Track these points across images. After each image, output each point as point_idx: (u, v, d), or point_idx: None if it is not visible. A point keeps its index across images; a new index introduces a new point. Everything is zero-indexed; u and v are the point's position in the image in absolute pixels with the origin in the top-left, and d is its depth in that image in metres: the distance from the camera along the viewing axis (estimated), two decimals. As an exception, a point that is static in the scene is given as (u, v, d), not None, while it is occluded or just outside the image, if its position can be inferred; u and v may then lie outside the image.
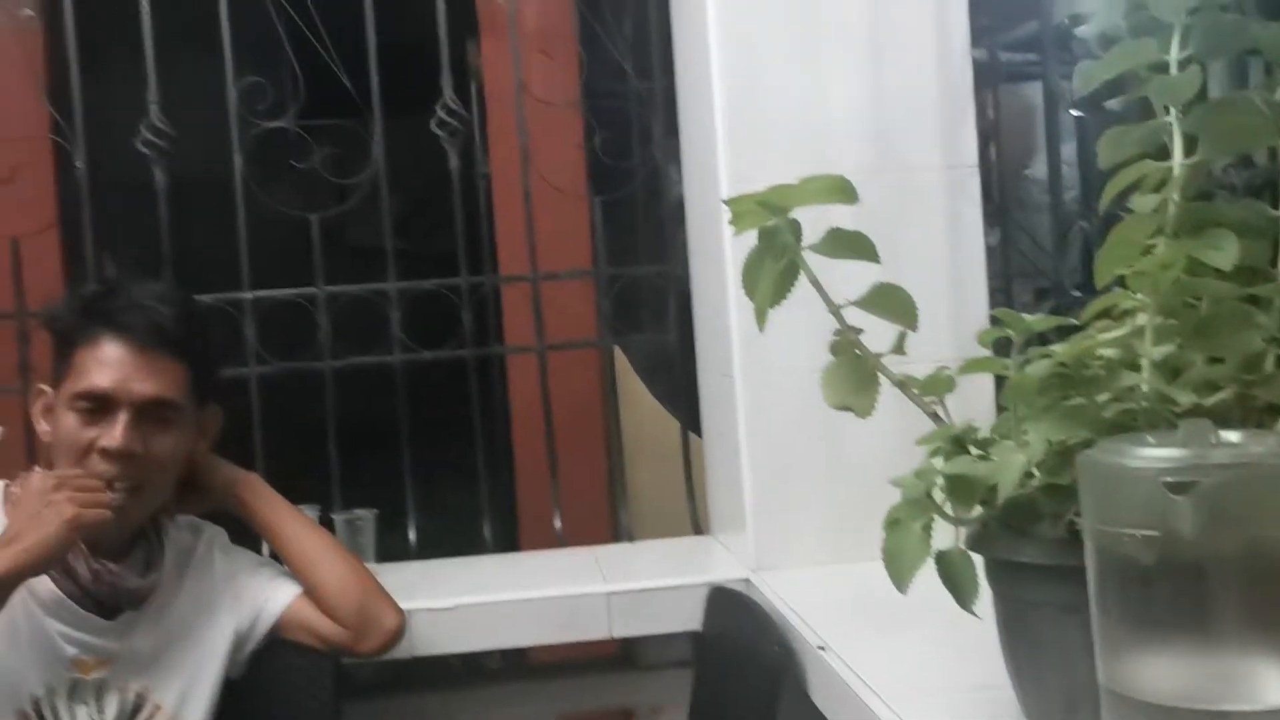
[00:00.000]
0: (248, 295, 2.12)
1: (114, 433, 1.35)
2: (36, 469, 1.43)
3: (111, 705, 1.41)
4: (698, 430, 2.20)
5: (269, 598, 1.53)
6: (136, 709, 1.43)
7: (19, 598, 1.35)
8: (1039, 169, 3.13)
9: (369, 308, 2.17)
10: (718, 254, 1.87)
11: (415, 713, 1.89)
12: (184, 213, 2.15)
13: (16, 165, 2.18)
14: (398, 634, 1.55)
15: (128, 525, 1.42)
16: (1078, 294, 2.23)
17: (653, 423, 2.46)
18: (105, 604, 1.41)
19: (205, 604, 1.49)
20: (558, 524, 2.19)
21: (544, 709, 1.94)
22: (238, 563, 1.54)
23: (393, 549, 2.07)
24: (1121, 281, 1.02)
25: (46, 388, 1.42)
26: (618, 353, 2.39)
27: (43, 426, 1.42)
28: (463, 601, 1.79)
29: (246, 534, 1.63)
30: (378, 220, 2.21)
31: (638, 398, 2.53)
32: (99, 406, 1.36)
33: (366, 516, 1.97)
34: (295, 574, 1.53)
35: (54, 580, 1.38)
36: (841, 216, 1.16)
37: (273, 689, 1.56)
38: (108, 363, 1.36)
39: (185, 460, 1.46)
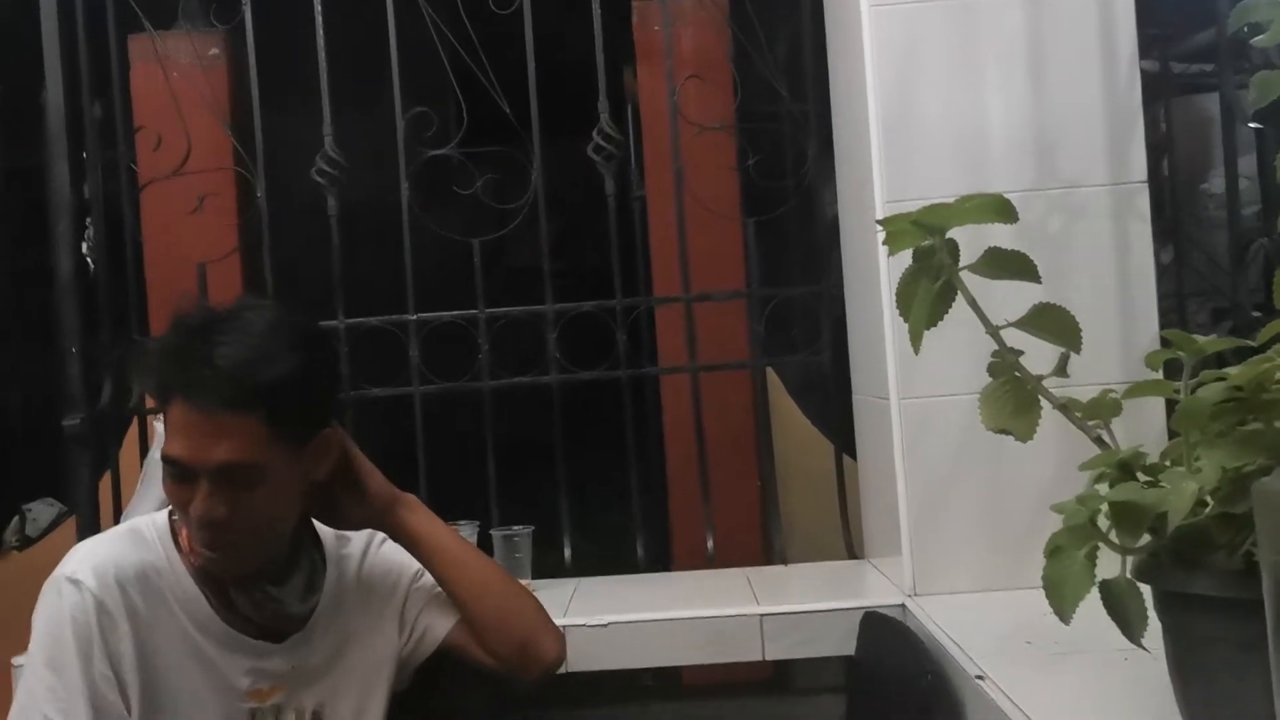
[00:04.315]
0: (412, 317, 2.20)
1: (196, 502, 1.30)
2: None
3: None
4: (851, 452, 2.18)
5: (429, 625, 1.52)
6: None
7: (194, 637, 1.38)
8: (1216, 184, 2.99)
9: (527, 328, 2.22)
10: (872, 274, 1.85)
11: (571, 727, 1.92)
12: (354, 238, 2.25)
13: (203, 195, 2.32)
14: (557, 665, 1.51)
15: (248, 564, 1.39)
16: (1258, 314, 2.13)
17: (805, 444, 2.44)
18: (272, 628, 1.43)
19: (371, 621, 1.50)
20: (710, 544, 2.20)
21: (698, 728, 1.94)
22: (402, 580, 1.53)
23: (548, 565, 2.10)
24: (1303, 301, 0.98)
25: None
26: (770, 374, 2.38)
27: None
28: (617, 619, 1.81)
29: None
30: (536, 243, 2.26)
31: (790, 419, 2.52)
32: (182, 473, 1.31)
33: (523, 533, 2.01)
34: (455, 603, 1.50)
35: (220, 616, 1.40)
36: (1001, 236, 1.14)
37: (431, 701, 1.59)
38: (181, 430, 1.29)
39: (297, 497, 1.40)
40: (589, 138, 2.22)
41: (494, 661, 1.51)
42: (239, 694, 1.40)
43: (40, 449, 2.42)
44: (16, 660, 1.63)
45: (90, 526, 2.06)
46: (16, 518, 2.63)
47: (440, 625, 1.52)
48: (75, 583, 1.35)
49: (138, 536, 1.42)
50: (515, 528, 2.02)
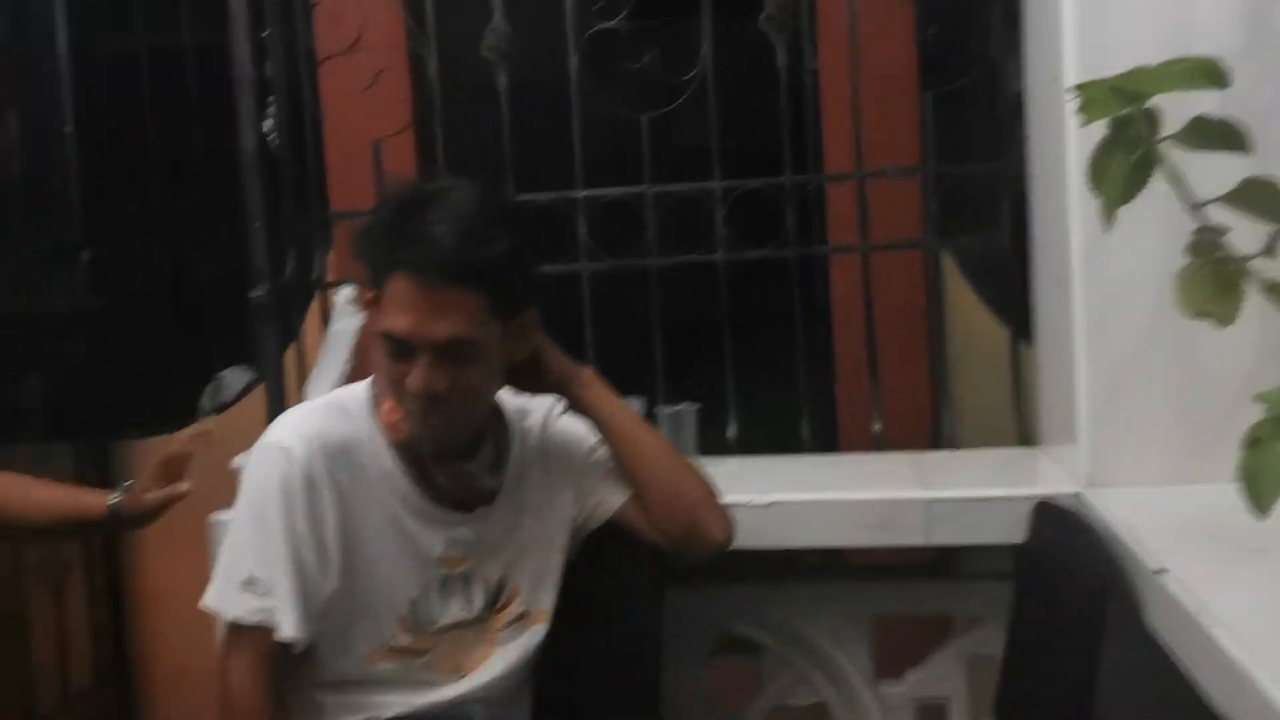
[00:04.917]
0: (580, 194, 2.20)
1: (416, 376, 1.34)
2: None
3: (477, 594, 1.51)
4: (1027, 337, 2.10)
5: (602, 500, 1.57)
6: (498, 595, 1.53)
7: (393, 507, 1.45)
8: None
9: (695, 206, 2.20)
10: (1059, 149, 1.75)
11: (733, 603, 1.94)
12: (523, 114, 2.25)
13: (377, 72, 2.36)
14: (723, 546, 1.55)
15: (454, 438, 1.45)
16: None
17: (979, 327, 2.37)
18: (463, 500, 1.50)
19: (549, 493, 1.56)
20: (877, 427, 2.17)
21: (858, 610, 1.94)
22: (579, 452, 1.57)
23: (713, 443, 2.12)
24: None
25: (365, 291, 1.42)
26: (945, 254, 2.30)
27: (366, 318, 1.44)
28: (781, 498, 1.80)
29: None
30: (705, 121, 2.22)
31: (964, 301, 2.45)
32: (401, 347, 1.34)
33: (690, 410, 2.02)
34: (627, 478, 1.54)
35: (417, 488, 1.46)
36: (1207, 104, 1.06)
37: (602, 572, 1.63)
38: (402, 306, 1.32)
39: (501, 374, 1.45)
40: (760, 10, 2.14)
41: (661, 538, 1.55)
42: (433, 562, 1.48)
43: (232, 320, 2.54)
44: (214, 518, 1.74)
45: (276, 395, 2.16)
46: (211, 384, 2.79)
47: (612, 499, 1.56)
48: (285, 450, 1.43)
49: (342, 409, 1.48)
50: (681, 405, 2.03)
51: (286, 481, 1.41)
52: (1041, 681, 1.56)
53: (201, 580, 1.47)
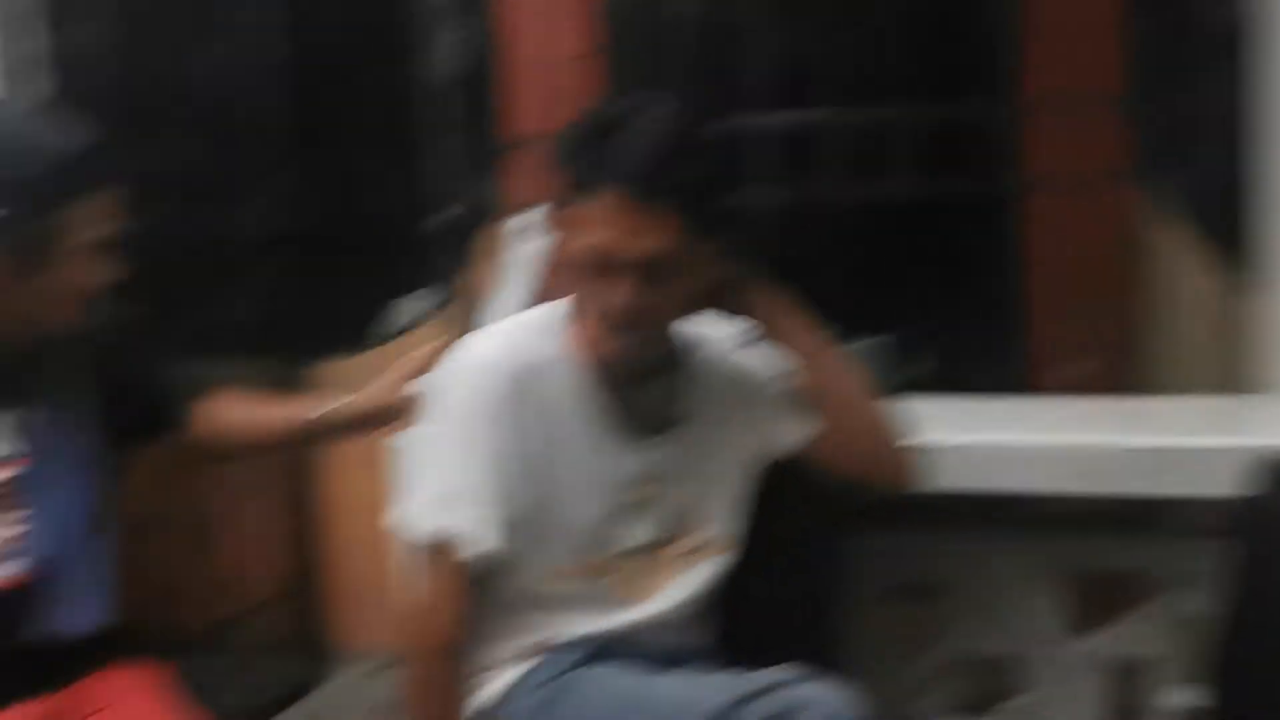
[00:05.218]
0: (753, 123, 2.14)
1: (617, 293, 1.33)
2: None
3: (659, 520, 1.48)
4: (1244, 277, 1.96)
5: (786, 431, 1.52)
6: (678, 522, 1.50)
7: (580, 430, 1.43)
8: None
9: (879, 137, 2.12)
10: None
11: (918, 546, 1.87)
12: (704, 38, 2.20)
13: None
14: (907, 487, 1.51)
15: (647, 359, 1.44)
16: None
17: (1189, 265, 2.22)
18: (648, 426, 1.47)
19: (731, 421, 1.52)
20: (1075, 369, 2.06)
21: (1050, 561, 1.85)
22: (763, 383, 1.52)
23: (902, 381, 2.04)
24: None
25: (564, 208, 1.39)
26: (1150, 189, 2.16)
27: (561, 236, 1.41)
28: (973, 441, 1.73)
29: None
30: (893, 45, 2.13)
31: (1170, 237, 2.30)
32: (601, 264, 1.33)
33: (879, 347, 1.96)
34: (813, 410, 1.50)
35: (606, 412, 1.44)
36: None
37: (783, 507, 1.58)
38: (601, 221, 1.31)
39: (693, 296, 1.41)
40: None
41: (844, 475, 1.51)
42: (616, 486, 1.46)
43: (408, 248, 2.57)
44: (397, 438, 1.75)
45: (458, 319, 2.18)
46: (393, 307, 2.84)
47: (796, 431, 1.52)
48: (477, 370, 1.42)
49: (531, 331, 1.47)
50: (871, 341, 1.97)
51: (478, 401, 1.41)
52: (1261, 648, 1.45)
53: (383, 497, 1.48)
